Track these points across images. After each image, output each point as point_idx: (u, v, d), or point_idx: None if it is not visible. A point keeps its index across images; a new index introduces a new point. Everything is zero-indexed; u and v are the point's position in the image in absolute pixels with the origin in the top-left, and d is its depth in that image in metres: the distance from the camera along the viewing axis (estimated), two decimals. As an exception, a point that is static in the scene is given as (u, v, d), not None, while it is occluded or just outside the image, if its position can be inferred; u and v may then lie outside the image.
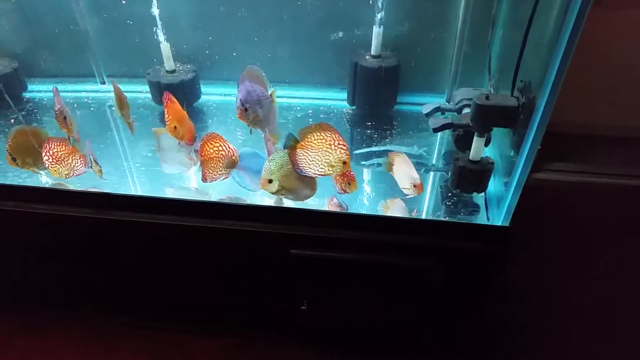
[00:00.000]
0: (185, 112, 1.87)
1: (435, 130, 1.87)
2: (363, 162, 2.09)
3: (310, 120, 2.36)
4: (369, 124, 2.29)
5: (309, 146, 1.62)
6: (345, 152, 1.59)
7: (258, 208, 1.82)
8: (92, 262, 2.09)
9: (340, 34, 2.27)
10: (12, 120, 2.42)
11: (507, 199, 1.67)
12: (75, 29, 2.40)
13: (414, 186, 1.79)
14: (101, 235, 1.97)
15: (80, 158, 1.98)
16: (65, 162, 1.95)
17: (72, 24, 2.39)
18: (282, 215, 1.81)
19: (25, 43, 2.52)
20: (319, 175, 1.66)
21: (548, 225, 1.85)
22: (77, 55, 2.50)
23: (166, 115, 1.83)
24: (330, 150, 1.60)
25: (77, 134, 1.99)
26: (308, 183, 1.76)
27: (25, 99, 2.57)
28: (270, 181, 1.72)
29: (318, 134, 1.61)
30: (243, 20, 2.31)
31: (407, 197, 1.84)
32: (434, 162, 2.13)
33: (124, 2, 2.29)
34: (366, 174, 2.09)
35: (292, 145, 1.64)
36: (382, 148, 2.12)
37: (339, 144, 1.59)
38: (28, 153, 1.98)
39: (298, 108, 2.43)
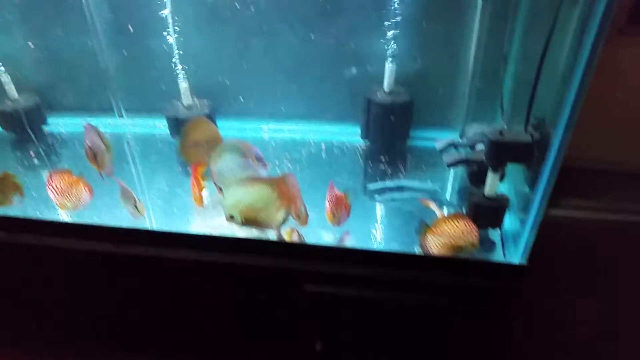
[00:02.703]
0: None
1: (450, 165, 1.87)
2: (377, 197, 2.09)
3: (324, 154, 2.39)
4: (383, 158, 2.30)
5: (440, 233, 1.67)
6: (477, 238, 1.67)
7: (270, 242, 1.82)
8: (100, 296, 2.10)
9: (354, 70, 2.31)
10: (32, 153, 2.47)
11: (523, 236, 1.65)
12: (95, 64, 2.47)
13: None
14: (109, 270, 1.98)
15: (85, 188, 1.98)
16: (70, 194, 1.95)
17: (92, 59, 2.45)
18: (295, 250, 1.81)
19: (46, 77, 2.59)
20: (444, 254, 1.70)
21: (565, 262, 1.82)
22: (96, 89, 2.56)
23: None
24: (463, 237, 1.65)
25: (110, 170, 2.01)
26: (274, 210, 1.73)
27: (45, 132, 2.63)
28: (232, 217, 1.70)
29: (451, 222, 1.66)
30: (258, 55, 2.37)
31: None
32: (448, 197, 2.12)
33: (131, 29, 2.36)
34: (380, 209, 2.09)
35: (423, 230, 1.69)
36: (397, 184, 2.12)
37: (472, 231, 1.65)
38: None
39: (312, 143, 2.45)
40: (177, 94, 2.43)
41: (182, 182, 2.24)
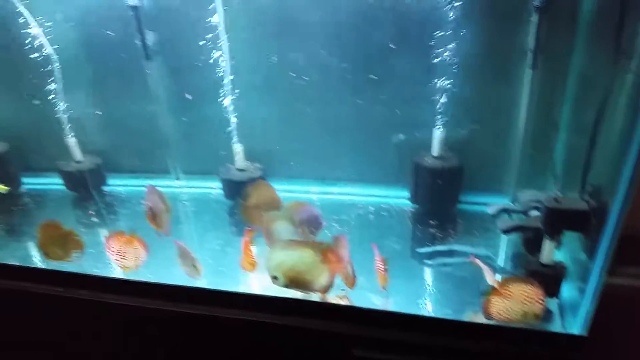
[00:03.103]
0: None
1: (505, 232, 1.85)
2: (427, 262, 2.08)
3: (371, 216, 2.40)
4: (432, 222, 2.30)
5: (507, 295, 1.65)
6: (544, 304, 1.63)
7: (318, 305, 1.81)
8: (148, 352, 2.12)
9: (402, 134, 2.36)
10: (91, 212, 2.60)
11: (582, 306, 1.59)
12: (155, 129, 2.61)
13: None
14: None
15: (141, 245, 2.03)
16: (129, 255, 2.02)
17: (153, 125, 2.60)
18: (343, 313, 1.79)
19: (109, 141, 2.75)
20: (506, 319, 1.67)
21: (627, 333, 1.73)
22: (155, 152, 2.69)
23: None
24: (529, 302, 1.63)
25: (168, 229, 2.08)
26: (318, 274, 1.73)
27: (105, 192, 2.77)
28: (275, 277, 1.72)
29: (520, 285, 1.64)
30: (308, 120, 2.46)
31: None
32: (501, 264, 2.08)
33: (189, 97, 2.49)
34: (430, 273, 2.07)
35: (489, 293, 1.67)
36: (448, 247, 2.11)
37: (539, 297, 1.62)
38: (57, 245, 2.11)
39: (359, 206, 2.48)
40: (231, 158, 2.53)
41: (234, 241, 2.29)
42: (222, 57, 2.28)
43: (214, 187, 2.67)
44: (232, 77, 2.33)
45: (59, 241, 2.10)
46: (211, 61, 2.30)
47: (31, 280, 2.07)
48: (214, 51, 2.27)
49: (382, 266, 1.81)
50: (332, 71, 2.29)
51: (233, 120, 2.43)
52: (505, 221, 1.90)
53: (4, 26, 2.43)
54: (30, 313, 2.18)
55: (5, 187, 2.62)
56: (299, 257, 1.71)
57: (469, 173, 2.31)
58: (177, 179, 2.74)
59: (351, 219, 2.36)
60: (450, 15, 2.02)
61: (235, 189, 2.48)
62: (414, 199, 2.41)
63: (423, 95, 2.21)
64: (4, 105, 2.74)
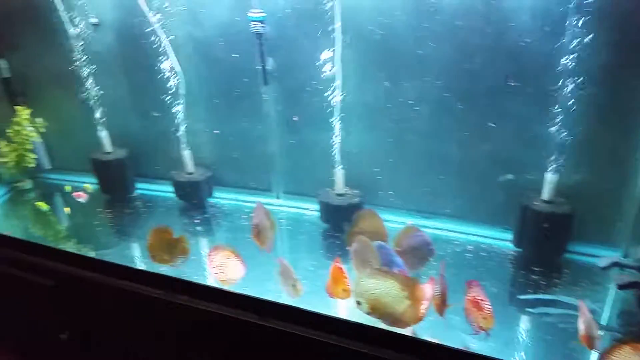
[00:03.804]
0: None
1: (622, 287, 1.73)
2: (528, 309, 1.98)
3: (469, 255, 2.34)
4: (535, 269, 2.19)
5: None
6: None
7: (406, 337, 1.77)
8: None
9: (510, 175, 2.29)
10: (197, 221, 2.74)
11: None
12: (263, 149, 2.73)
13: None
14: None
15: (239, 260, 2.09)
16: (227, 269, 2.10)
17: (262, 145, 2.72)
18: (431, 349, 1.74)
19: (220, 156, 2.91)
20: None
21: None
22: (260, 171, 2.82)
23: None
24: None
25: (270, 247, 2.15)
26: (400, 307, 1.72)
27: (210, 204, 2.92)
28: (359, 303, 1.75)
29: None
30: (412, 151, 2.47)
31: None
32: (607, 320, 1.94)
33: (296, 119, 2.59)
34: (528, 322, 1.97)
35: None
36: (551, 297, 1.99)
37: None
38: (165, 249, 2.23)
39: (457, 242, 2.43)
40: (330, 182, 2.59)
41: (326, 264, 2.30)
42: (334, 85, 2.35)
43: (310, 209, 2.75)
44: (340, 102, 2.39)
45: (168, 246, 2.24)
46: (321, 87, 2.39)
47: (134, 280, 2.20)
48: (327, 79, 2.36)
49: (489, 307, 1.73)
50: (443, 105, 2.29)
51: (337, 145, 2.48)
52: (621, 276, 1.77)
53: (138, 46, 2.68)
54: (131, 312, 2.33)
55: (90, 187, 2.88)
56: (386, 289, 1.73)
57: (579, 221, 2.19)
58: (278, 197, 2.83)
59: (447, 255, 2.31)
60: (571, 60, 1.97)
61: (333, 213, 2.54)
62: (517, 242, 2.32)
63: (537, 136, 2.16)
64: (129, 116, 3.00)
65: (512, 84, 2.20)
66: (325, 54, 2.31)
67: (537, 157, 2.19)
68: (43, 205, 2.94)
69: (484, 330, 1.71)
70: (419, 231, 2.04)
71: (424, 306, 1.74)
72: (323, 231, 2.61)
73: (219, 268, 2.11)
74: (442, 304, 1.78)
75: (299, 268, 2.31)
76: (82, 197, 2.98)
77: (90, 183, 3.11)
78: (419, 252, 2.02)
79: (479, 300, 1.72)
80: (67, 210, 2.93)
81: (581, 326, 1.69)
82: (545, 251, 2.25)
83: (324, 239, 2.57)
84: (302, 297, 2.02)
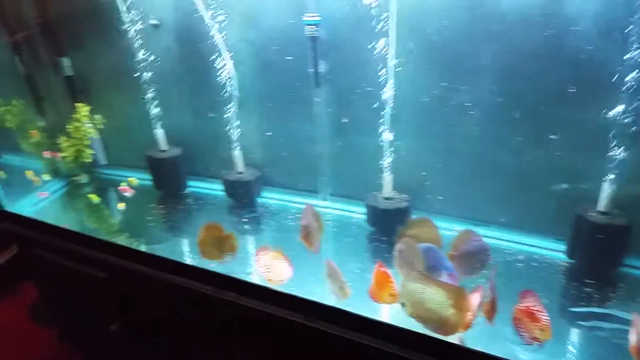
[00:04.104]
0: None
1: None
2: (581, 323, 1.93)
3: (519, 264, 2.29)
4: (589, 282, 2.13)
5: None
6: None
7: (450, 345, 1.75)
8: None
9: (565, 185, 2.24)
10: (245, 220, 2.80)
11: None
12: (312, 150, 2.76)
13: None
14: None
15: (286, 261, 2.12)
16: (274, 270, 2.13)
17: (311, 146, 2.75)
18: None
19: (270, 157, 2.96)
20: None
21: None
22: (308, 172, 2.84)
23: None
24: None
25: (318, 248, 2.17)
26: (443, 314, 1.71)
27: (259, 203, 2.97)
28: (403, 304, 1.79)
29: None
30: (464, 157, 2.44)
31: None
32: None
33: (346, 120, 2.60)
34: (579, 335, 1.91)
35: None
36: (605, 311, 1.93)
37: None
38: (214, 245, 2.28)
39: (507, 252, 2.38)
40: (378, 186, 2.60)
41: (371, 267, 2.30)
42: (385, 88, 2.35)
43: (356, 212, 2.75)
44: (392, 103, 2.39)
45: (217, 242, 2.29)
46: (372, 89, 2.40)
47: (184, 275, 2.28)
48: (379, 81, 2.36)
49: (547, 318, 1.68)
50: (497, 111, 2.26)
51: (388, 150, 2.48)
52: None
53: (195, 47, 2.76)
54: (179, 306, 2.40)
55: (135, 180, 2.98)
56: (430, 294, 1.73)
57: (636, 234, 2.12)
58: (324, 199, 2.86)
59: (497, 264, 2.26)
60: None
61: (379, 217, 2.54)
62: (571, 253, 2.26)
63: (595, 145, 2.10)
64: (185, 116, 3.09)
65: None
66: (381, 56, 2.30)
67: (596, 167, 2.12)
68: (95, 198, 3.07)
69: (538, 341, 1.68)
70: (477, 236, 2.01)
71: (470, 314, 1.72)
72: (369, 234, 2.61)
73: (266, 267, 2.14)
74: (491, 311, 1.76)
75: (345, 271, 2.29)
76: (128, 192, 3.10)
77: (137, 177, 3.23)
78: (476, 258, 1.99)
79: (535, 311, 1.68)
80: (121, 205, 3.03)
81: (633, 337, 1.64)
82: (599, 264, 2.19)
83: (369, 242, 2.57)
84: (348, 299, 2.03)
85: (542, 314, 1.67)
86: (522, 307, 1.72)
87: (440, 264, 1.92)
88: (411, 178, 2.58)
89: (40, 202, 3.16)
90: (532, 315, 1.68)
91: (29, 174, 3.24)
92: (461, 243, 2.02)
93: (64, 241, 2.64)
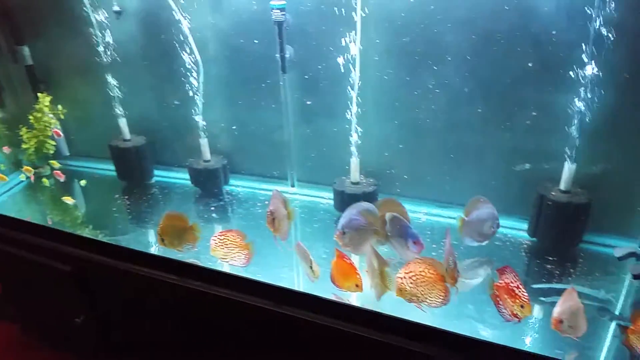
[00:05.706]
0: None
1: (637, 277, 1.72)
2: (541, 298, 1.98)
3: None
4: (550, 258, 2.18)
5: None
6: None
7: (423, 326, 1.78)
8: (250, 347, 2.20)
9: (527, 165, 2.28)
10: (213, 208, 2.77)
11: None
12: (279, 138, 2.75)
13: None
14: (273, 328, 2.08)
15: (246, 253, 2.13)
16: (227, 250, 2.14)
17: (278, 133, 2.74)
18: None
19: (236, 144, 2.94)
20: None
21: None
22: (275, 159, 2.84)
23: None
24: None
25: (284, 235, 2.17)
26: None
27: (226, 191, 2.95)
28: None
29: None
30: (427, 141, 2.47)
31: None
32: (620, 310, 1.93)
33: (309, 103, 2.59)
34: (540, 311, 1.96)
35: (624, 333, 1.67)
36: (565, 286, 1.98)
37: None
38: (175, 235, 2.24)
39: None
40: (345, 171, 2.61)
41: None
42: (352, 74, 2.36)
43: (324, 197, 2.76)
44: (358, 91, 2.40)
45: (178, 232, 2.25)
46: (339, 75, 2.39)
47: (149, 266, 2.24)
48: (345, 67, 2.37)
49: (526, 294, 1.70)
50: (461, 94, 2.29)
51: (354, 135, 2.49)
52: (637, 266, 1.76)
53: (158, 34, 2.72)
54: (148, 296, 2.37)
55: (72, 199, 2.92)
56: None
57: (596, 212, 2.18)
58: (292, 185, 2.85)
59: (460, 244, 2.30)
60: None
61: (347, 201, 2.54)
62: (533, 232, 2.31)
63: (557, 126, 2.15)
64: (148, 104, 3.04)
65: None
66: (346, 42, 2.31)
67: (557, 147, 2.18)
68: (69, 200, 2.93)
69: (517, 318, 1.71)
70: (488, 203, 2.06)
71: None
72: (337, 219, 2.60)
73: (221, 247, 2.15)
74: (453, 274, 1.78)
75: (314, 256, 2.32)
76: (61, 177, 3.07)
77: (101, 168, 3.21)
78: (484, 225, 2.06)
79: (515, 288, 1.70)
80: (68, 199, 2.94)
81: (556, 309, 1.69)
82: (560, 241, 2.24)
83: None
84: (316, 283, 2.04)
85: (522, 290, 1.70)
86: (501, 284, 1.74)
87: (404, 233, 1.98)
88: (378, 162, 2.60)
89: (0, 196, 3.08)
90: (511, 292, 1.70)
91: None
92: (472, 209, 2.09)
93: (26, 234, 2.57)
